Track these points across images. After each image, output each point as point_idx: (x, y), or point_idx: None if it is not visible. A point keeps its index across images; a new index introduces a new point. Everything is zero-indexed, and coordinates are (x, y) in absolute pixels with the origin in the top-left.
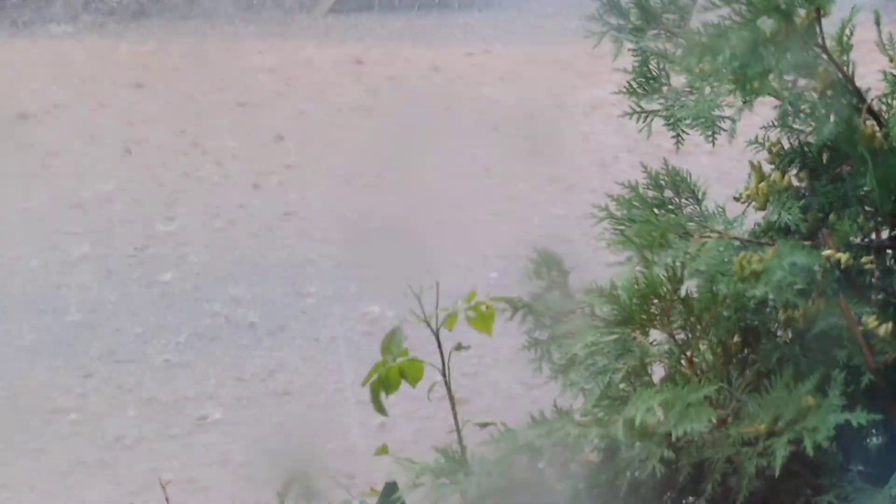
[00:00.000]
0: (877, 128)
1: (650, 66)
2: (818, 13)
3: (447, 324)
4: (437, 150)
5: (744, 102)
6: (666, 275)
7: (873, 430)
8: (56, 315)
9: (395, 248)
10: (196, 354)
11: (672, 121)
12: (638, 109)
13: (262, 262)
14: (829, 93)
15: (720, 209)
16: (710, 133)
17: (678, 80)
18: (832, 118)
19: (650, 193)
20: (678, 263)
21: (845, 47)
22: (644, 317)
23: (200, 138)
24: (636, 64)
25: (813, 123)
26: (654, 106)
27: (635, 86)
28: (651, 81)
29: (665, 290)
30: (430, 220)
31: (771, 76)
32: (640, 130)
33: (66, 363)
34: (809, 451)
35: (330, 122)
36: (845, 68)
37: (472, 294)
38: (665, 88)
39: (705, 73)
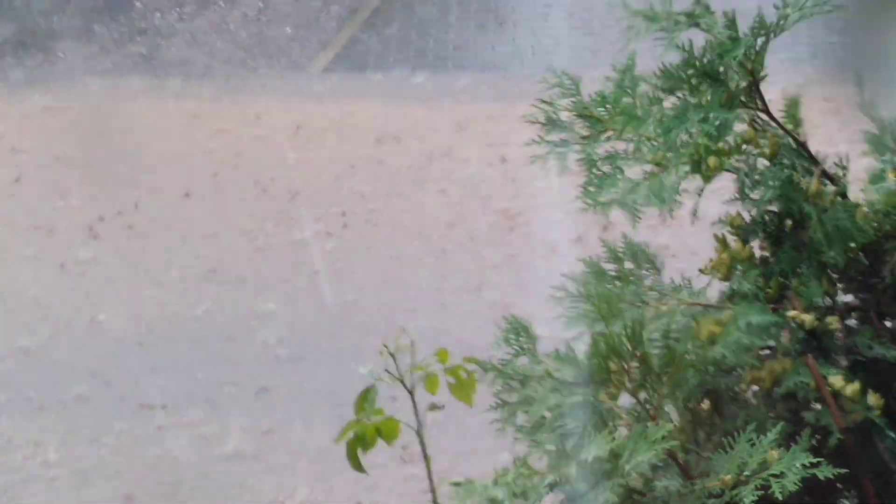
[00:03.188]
0: (827, 186)
1: (600, 169)
2: (755, 79)
3: (427, 387)
4: None
5: (704, 180)
6: (624, 333)
7: (844, 490)
8: None
9: None
10: None
11: (629, 204)
12: (592, 203)
13: None
14: (777, 158)
15: (686, 281)
16: (667, 209)
17: (632, 172)
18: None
19: (610, 266)
20: (637, 322)
21: (794, 117)
22: (603, 376)
23: None
24: (585, 171)
25: (764, 189)
26: (610, 196)
27: (590, 189)
28: (605, 179)
29: (624, 348)
30: None
31: (724, 149)
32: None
33: None
34: (777, 495)
35: None
36: (795, 134)
37: (442, 352)
38: (620, 181)
39: (662, 160)
